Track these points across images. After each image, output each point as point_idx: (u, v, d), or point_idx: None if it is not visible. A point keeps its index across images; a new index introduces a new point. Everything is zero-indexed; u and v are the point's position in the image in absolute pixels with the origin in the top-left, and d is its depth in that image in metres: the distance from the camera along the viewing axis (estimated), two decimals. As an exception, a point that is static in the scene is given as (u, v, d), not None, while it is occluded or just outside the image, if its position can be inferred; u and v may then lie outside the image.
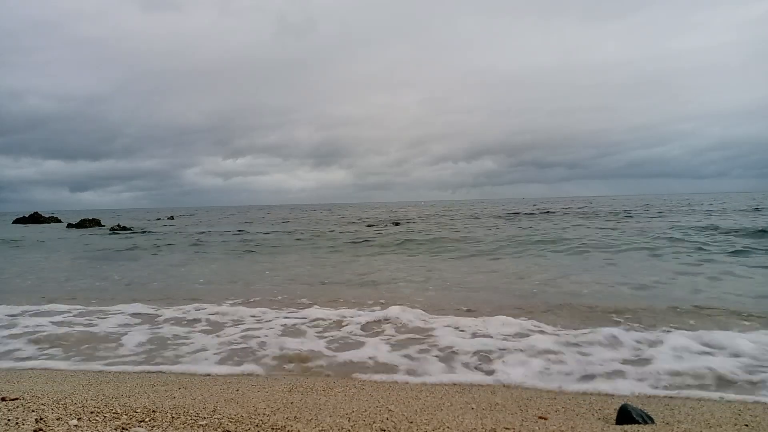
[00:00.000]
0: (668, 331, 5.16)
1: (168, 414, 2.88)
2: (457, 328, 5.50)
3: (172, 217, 46.42)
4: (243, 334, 5.48)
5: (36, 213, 42.23)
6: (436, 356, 4.60)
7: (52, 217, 42.50)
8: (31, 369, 4.34)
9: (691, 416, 3.05)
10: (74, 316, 6.54)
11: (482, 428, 2.80)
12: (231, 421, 2.79)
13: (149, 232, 27.38)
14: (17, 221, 40.83)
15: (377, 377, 4.05)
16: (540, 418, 3.01)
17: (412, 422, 2.86)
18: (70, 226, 33.33)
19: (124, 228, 29.06)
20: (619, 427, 2.84)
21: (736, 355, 4.28)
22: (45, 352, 4.95)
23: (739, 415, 3.06)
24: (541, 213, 36.00)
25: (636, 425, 2.83)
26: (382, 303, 7.10)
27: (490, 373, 4.12)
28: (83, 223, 33.49)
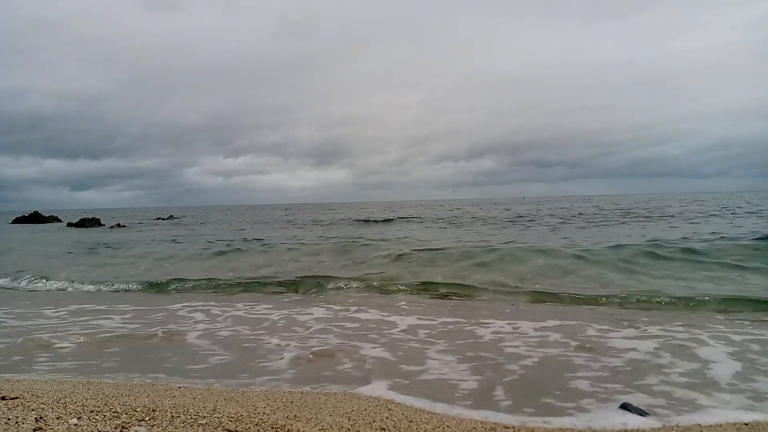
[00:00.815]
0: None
1: (168, 413, 2.88)
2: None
3: (171, 217, 46.44)
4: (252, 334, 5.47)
5: (36, 212, 42.16)
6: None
7: (52, 216, 42.42)
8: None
9: (691, 415, 3.04)
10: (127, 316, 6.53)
11: (482, 427, 2.80)
12: (231, 420, 2.78)
13: (146, 229, 27.37)
14: (17, 221, 40.75)
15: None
16: (540, 417, 3.00)
17: (411, 421, 2.85)
18: (70, 225, 33.31)
19: (123, 227, 29.06)
20: (619, 426, 2.84)
21: None
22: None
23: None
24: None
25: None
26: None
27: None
28: (83, 223, 33.48)
